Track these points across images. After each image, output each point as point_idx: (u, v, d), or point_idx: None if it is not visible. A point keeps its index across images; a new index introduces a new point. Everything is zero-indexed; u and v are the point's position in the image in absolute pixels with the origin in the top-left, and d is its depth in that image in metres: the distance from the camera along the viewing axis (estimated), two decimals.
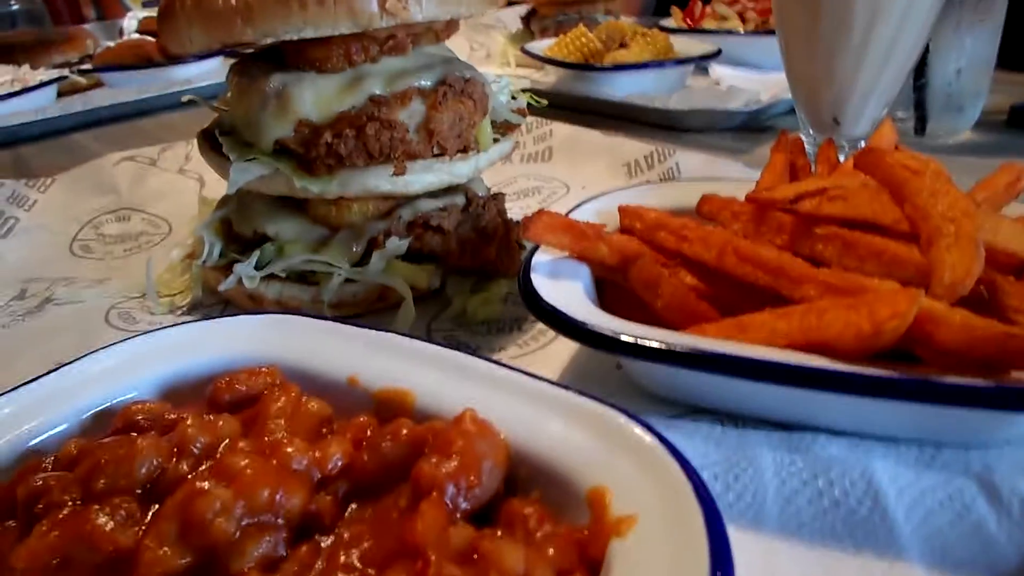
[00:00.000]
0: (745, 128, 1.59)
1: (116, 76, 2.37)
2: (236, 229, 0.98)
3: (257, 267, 0.91)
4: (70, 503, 0.48)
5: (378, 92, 0.86)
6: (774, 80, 1.72)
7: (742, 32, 1.98)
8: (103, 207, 1.30)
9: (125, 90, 2.23)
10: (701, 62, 1.78)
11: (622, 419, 0.51)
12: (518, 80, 1.87)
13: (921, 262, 0.65)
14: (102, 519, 0.45)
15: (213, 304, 1.00)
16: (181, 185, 1.37)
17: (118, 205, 1.30)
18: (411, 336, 0.64)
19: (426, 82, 0.88)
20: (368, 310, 0.94)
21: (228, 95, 0.99)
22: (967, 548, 0.55)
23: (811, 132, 1.13)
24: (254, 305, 0.94)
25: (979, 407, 0.54)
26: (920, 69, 1.40)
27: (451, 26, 0.94)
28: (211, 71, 2.42)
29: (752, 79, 1.84)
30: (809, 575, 0.54)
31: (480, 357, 0.60)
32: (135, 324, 0.96)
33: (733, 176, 1.14)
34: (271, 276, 0.91)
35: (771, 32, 1.92)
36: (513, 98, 1.05)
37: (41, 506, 0.48)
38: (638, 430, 0.50)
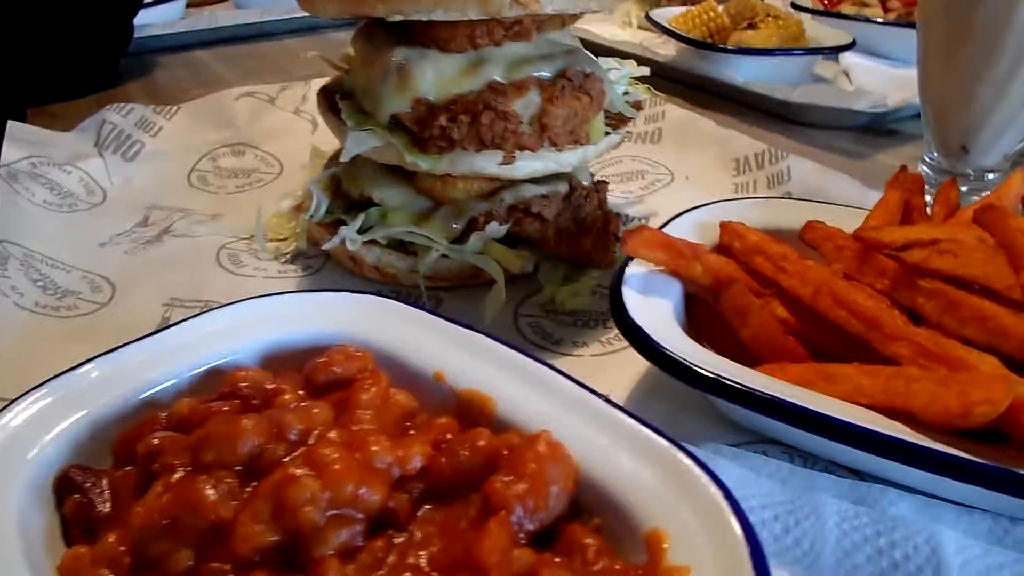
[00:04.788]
0: (867, 129, 1.53)
1: None
2: (344, 188, 1.02)
3: (360, 231, 0.95)
4: (181, 468, 0.53)
5: (497, 78, 0.87)
6: (907, 77, 1.63)
7: (881, 21, 1.87)
8: (221, 140, 1.36)
9: (250, 11, 2.29)
10: (832, 53, 1.70)
11: (692, 465, 0.53)
12: (640, 57, 1.83)
13: None
14: (208, 490, 0.50)
15: (315, 256, 1.05)
16: (295, 126, 1.42)
17: (235, 140, 1.36)
18: (500, 340, 0.66)
19: (546, 73, 0.88)
20: (461, 284, 0.97)
21: (351, 54, 1.02)
22: None
23: (935, 155, 1.08)
24: (354, 265, 0.99)
25: None
26: None
27: (577, 14, 0.93)
28: None
29: (884, 72, 1.75)
30: None
31: (563, 374, 0.62)
32: (242, 267, 1.03)
33: (844, 192, 1.10)
34: (372, 241, 0.95)
35: (913, 25, 1.80)
36: (626, 92, 1.04)
37: (157, 465, 0.54)
38: (706, 480, 0.52)
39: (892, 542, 0.61)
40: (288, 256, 1.06)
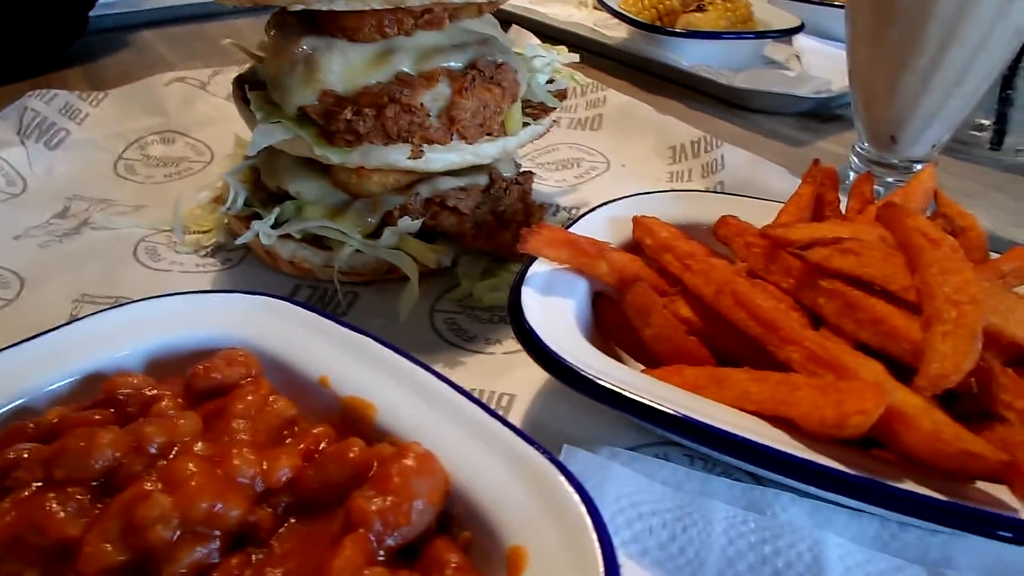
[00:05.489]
0: (812, 114, 1.51)
1: None
2: (263, 180, 0.99)
3: (275, 224, 0.93)
4: (34, 484, 0.51)
5: (406, 69, 0.84)
6: None
7: (837, 3, 1.85)
8: (150, 127, 1.32)
9: None
10: (780, 37, 1.68)
11: (566, 485, 0.52)
12: (589, 40, 1.81)
13: (918, 340, 0.62)
14: (55, 507, 0.49)
15: (234, 249, 1.02)
16: (227, 112, 1.38)
17: (165, 127, 1.33)
18: (389, 345, 0.65)
19: (456, 63, 0.86)
20: (377, 279, 0.95)
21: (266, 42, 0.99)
22: None
23: (866, 145, 1.07)
24: (270, 259, 0.97)
25: (931, 522, 0.52)
26: (1008, 79, 1.30)
27: (493, 1, 0.90)
28: None
29: (836, 56, 1.73)
30: None
31: (448, 382, 0.61)
32: (159, 261, 1.00)
33: (775, 183, 1.09)
34: (287, 235, 0.93)
35: None
36: (551, 81, 1.02)
37: (9, 480, 0.52)
38: (574, 497, 0.51)
39: (776, 549, 0.60)
40: (209, 249, 1.03)
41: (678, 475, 0.67)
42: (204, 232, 1.06)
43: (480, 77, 0.85)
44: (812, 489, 0.63)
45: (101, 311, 0.70)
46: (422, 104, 0.83)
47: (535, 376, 0.80)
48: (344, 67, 0.84)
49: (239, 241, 0.93)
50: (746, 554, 0.60)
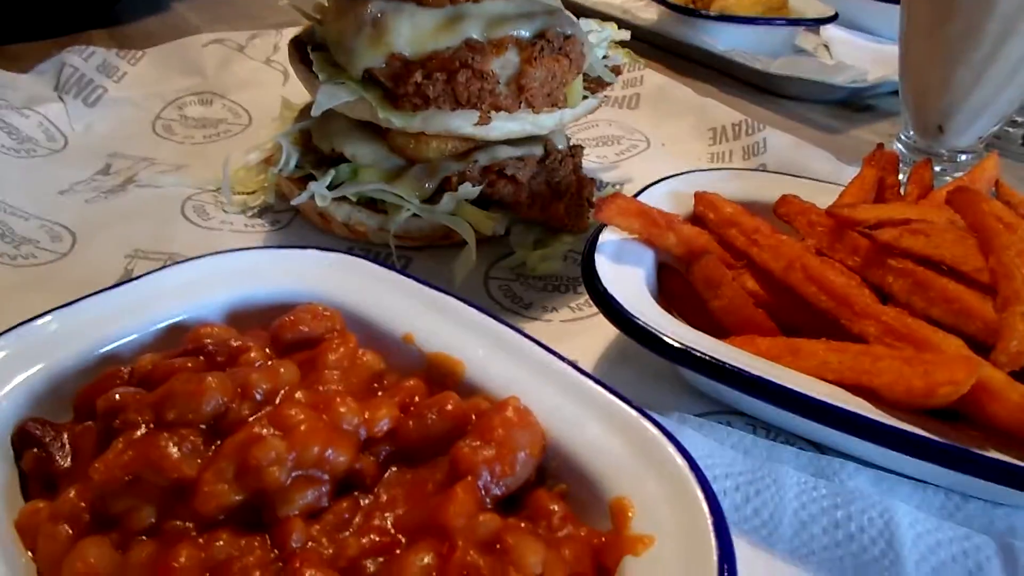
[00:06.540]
0: (844, 104, 1.53)
1: None
2: (315, 143, 0.99)
3: (330, 187, 0.93)
4: (143, 425, 0.52)
5: (475, 36, 0.84)
6: (887, 53, 1.63)
7: None
8: (188, 88, 1.31)
9: None
10: (814, 25, 1.69)
11: (659, 435, 0.53)
12: (622, 20, 1.81)
13: (991, 319, 0.64)
14: (171, 448, 0.49)
15: (283, 211, 1.03)
16: (265, 76, 1.38)
17: (203, 88, 1.32)
18: (471, 303, 0.66)
19: (525, 33, 0.86)
20: (431, 244, 0.95)
21: (324, 3, 0.98)
22: None
23: (911, 133, 1.08)
24: (323, 222, 0.97)
25: (1014, 487, 0.54)
26: None
27: None
28: None
29: (864, 47, 1.75)
30: None
31: (533, 340, 0.62)
32: (208, 219, 1.00)
33: (819, 167, 1.11)
34: (342, 198, 0.93)
35: (897, 1, 1.80)
36: (605, 56, 1.02)
37: (118, 421, 0.52)
38: (672, 450, 0.52)
39: (848, 514, 0.62)
40: (255, 210, 1.03)
41: (746, 442, 0.69)
42: (249, 193, 1.06)
43: (548, 47, 0.85)
44: (880, 458, 0.65)
45: (176, 263, 0.70)
46: (492, 71, 0.83)
47: (595, 344, 0.81)
48: (413, 31, 0.84)
49: (294, 202, 0.93)
50: (819, 518, 0.62)
